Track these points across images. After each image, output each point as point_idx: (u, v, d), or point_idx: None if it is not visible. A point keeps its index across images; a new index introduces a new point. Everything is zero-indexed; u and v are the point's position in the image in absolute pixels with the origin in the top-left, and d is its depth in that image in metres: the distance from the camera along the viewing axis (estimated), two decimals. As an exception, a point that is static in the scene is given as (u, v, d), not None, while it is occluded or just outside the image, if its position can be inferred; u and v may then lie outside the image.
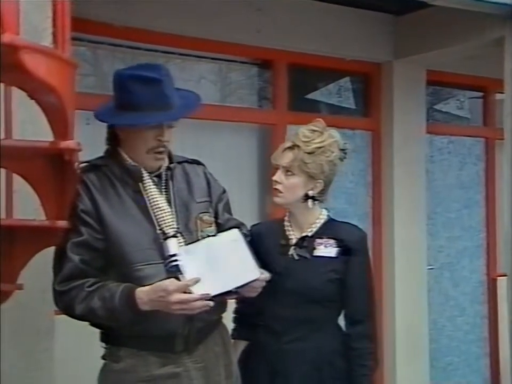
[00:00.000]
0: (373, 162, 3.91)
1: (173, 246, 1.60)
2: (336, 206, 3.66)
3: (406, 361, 3.81)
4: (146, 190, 1.63)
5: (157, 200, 1.64)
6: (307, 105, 3.78)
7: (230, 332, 1.84)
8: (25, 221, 1.54)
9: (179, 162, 1.74)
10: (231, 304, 1.89)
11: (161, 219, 1.62)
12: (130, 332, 1.58)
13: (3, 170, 1.56)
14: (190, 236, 1.65)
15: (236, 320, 1.91)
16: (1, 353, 1.65)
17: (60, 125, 1.38)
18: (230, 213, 1.80)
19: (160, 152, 1.63)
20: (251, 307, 1.84)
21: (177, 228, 1.63)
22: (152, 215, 1.62)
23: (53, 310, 1.75)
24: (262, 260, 1.78)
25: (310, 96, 3.85)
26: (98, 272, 1.57)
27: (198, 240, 1.65)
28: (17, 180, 1.55)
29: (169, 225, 1.62)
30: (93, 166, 1.63)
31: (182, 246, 1.61)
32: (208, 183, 1.77)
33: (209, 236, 1.67)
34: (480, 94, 4.43)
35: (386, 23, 3.79)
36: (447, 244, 4.20)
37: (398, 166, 3.84)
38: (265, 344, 1.79)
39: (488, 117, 4.42)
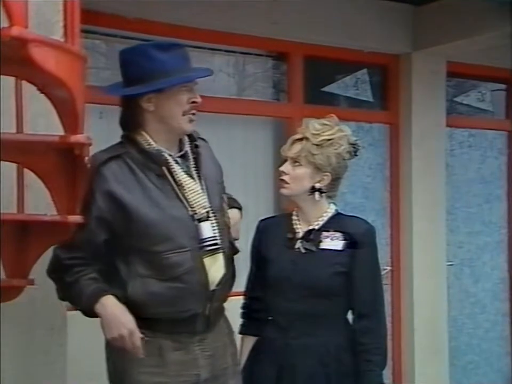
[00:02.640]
0: (391, 156, 3.88)
1: (206, 228, 1.62)
2: (353, 201, 3.64)
3: (425, 359, 3.78)
4: (173, 173, 1.63)
5: (186, 182, 1.64)
6: (323, 98, 3.76)
7: (238, 327, 1.86)
8: (36, 215, 1.54)
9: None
10: (239, 300, 1.89)
11: (194, 200, 1.63)
12: (155, 315, 1.60)
13: (14, 165, 1.57)
14: (219, 215, 1.67)
15: (244, 315, 1.91)
16: (15, 348, 1.66)
17: (70, 119, 1.37)
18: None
19: (194, 114, 1.65)
20: (259, 302, 1.85)
21: (210, 208, 1.64)
22: (182, 197, 1.62)
23: (65, 305, 1.76)
24: (269, 253, 1.79)
25: (326, 88, 3.83)
26: (91, 258, 1.60)
27: (225, 220, 1.68)
28: (29, 175, 1.56)
29: (202, 206, 1.63)
30: (113, 157, 1.61)
31: (215, 227, 1.63)
32: (217, 164, 1.80)
33: (228, 217, 1.71)
34: (503, 86, 4.36)
35: (405, 13, 3.74)
36: (467, 239, 4.15)
37: (417, 160, 3.80)
38: (272, 339, 1.80)
39: (511, 110, 4.34)
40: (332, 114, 1.83)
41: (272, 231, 1.85)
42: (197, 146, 1.70)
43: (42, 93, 1.41)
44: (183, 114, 1.63)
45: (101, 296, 1.56)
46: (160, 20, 3.07)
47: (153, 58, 1.60)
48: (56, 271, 1.61)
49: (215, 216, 1.65)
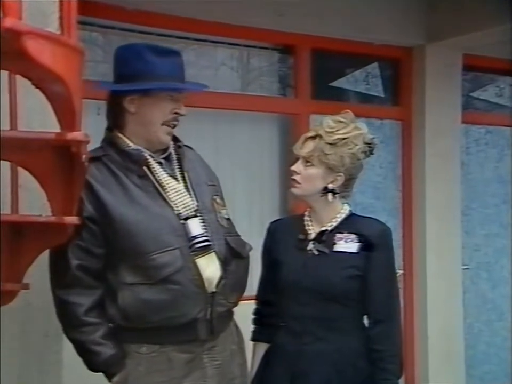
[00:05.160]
0: (403, 154, 3.87)
1: (195, 225, 1.64)
2: (363, 201, 3.64)
3: (440, 368, 3.77)
4: (154, 173, 1.66)
5: (168, 182, 1.66)
6: (332, 94, 3.75)
7: (250, 334, 1.88)
8: (31, 217, 1.54)
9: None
10: (251, 305, 1.89)
11: (178, 200, 1.65)
12: (152, 324, 1.62)
13: (8, 164, 1.58)
14: (209, 215, 1.69)
15: (255, 321, 1.92)
16: (9, 355, 1.67)
17: (67, 115, 1.38)
18: None
19: (174, 126, 1.68)
20: (271, 306, 1.86)
21: (197, 207, 1.66)
22: (166, 197, 1.65)
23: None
24: (280, 256, 1.81)
25: (335, 83, 3.82)
26: (95, 280, 1.63)
27: (217, 221, 1.70)
28: (24, 174, 1.56)
29: (188, 206, 1.65)
30: (91, 159, 1.63)
31: (203, 225, 1.65)
32: (208, 168, 1.83)
33: (225, 218, 1.73)
34: (523, 80, 4.35)
35: (418, 3, 3.73)
36: (484, 242, 4.14)
37: (431, 158, 3.79)
38: (284, 344, 1.80)
39: (530, 105, 4.34)
40: (348, 110, 1.82)
41: (283, 233, 1.86)
42: (179, 147, 1.73)
43: (37, 88, 1.41)
44: (162, 124, 1.66)
45: (121, 362, 1.63)
46: (161, 11, 3.08)
47: (145, 59, 1.62)
48: (73, 286, 1.62)
49: (203, 215, 1.66)
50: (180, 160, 1.71)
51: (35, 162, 1.46)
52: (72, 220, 1.48)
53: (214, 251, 1.65)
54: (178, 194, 1.65)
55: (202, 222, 1.66)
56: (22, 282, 1.55)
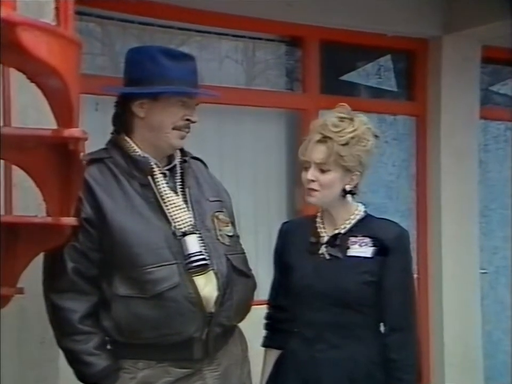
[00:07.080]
0: (417, 152, 3.87)
1: (192, 243, 1.64)
2: (375, 201, 3.63)
3: (456, 379, 3.76)
4: (156, 184, 1.67)
5: (168, 196, 1.67)
6: (342, 88, 3.75)
7: (262, 339, 1.88)
8: (26, 217, 1.55)
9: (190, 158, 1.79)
10: (262, 310, 1.90)
11: (176, 215, 1.66)
12: (147, 340, 1.62)
13: (1, 162, 1.58)
14: (208, 234, 1.69)
15: (267, 326, 1.92)
16: (4, 363, 1.67)
17: (64, 111, 1.38)
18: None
19: (187, 131, 1.68)
20: (284, 312, 1.86)
21: (195, 224, 1.67)
22: (165, 211, 1.66)
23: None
24: (291, 259, 1.81)
25: (345, 77, 3.82)
26: (90, 285, 1.63)
27: (218, 239, 1.69)
28: (18, 172, 1.57)
29: (185, 222, 1.66)
30: (94, 160, 1.65)
31: (201, 243, 1.65)
32: (216, 183, 1.84)
33: (228, 236, 1.72)
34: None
35: (433, -7, 3.72)
36: (503, 244, 4.12)
37: (447, 156, 3.78)
38: (296, 351, 1.80)
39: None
40: (343, 104, 1.81)
41: (295, 235, 1.86)
42: (185, 161, 1.73)
43: (32, 82, 1.41)
44: (174, 129, 1.66)
45: (115, 374, 1.62)
46: (162, 1, 3.08)
47: (157, 62, 1.64)
48: (68, 290, 1.62)
49: (200, 233, 1.67)
50: (182, 175, 1.72)
51: (30, 161, 1.47)
52: (70, 220, 1.49)
53: (212, 270, 1.66)
54: (177, 210, 1.67)
55: (201, 240, 1.67)
56: (16, 287, 1.55)
